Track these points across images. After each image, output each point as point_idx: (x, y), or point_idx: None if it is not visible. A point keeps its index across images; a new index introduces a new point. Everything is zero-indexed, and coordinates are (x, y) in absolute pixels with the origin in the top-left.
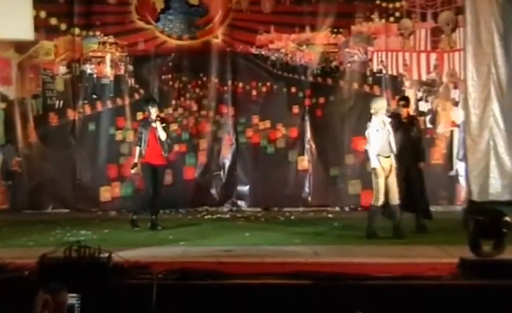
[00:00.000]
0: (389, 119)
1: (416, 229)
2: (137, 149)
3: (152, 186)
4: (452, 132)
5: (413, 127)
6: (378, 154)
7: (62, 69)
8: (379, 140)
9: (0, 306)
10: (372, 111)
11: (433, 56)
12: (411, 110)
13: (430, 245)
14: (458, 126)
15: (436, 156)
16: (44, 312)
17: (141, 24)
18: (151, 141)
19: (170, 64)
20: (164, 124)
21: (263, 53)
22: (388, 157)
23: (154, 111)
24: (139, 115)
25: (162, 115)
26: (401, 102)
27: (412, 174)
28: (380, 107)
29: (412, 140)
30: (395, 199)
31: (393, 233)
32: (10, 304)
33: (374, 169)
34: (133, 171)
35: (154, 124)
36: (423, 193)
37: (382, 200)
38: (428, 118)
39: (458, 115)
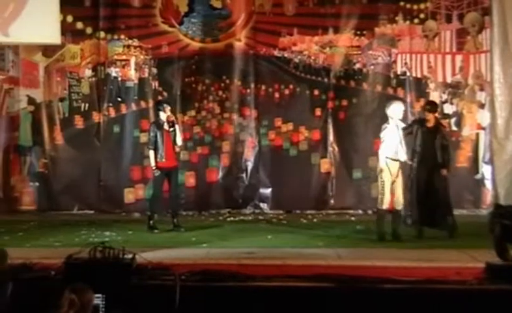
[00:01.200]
0: (403, 125)
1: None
2: (151, 152)
3: (169, 189)
4: (478, 134)
5: (437, 134)
6: (387, 157)
7: (88, 72)
8: (391, 143)
9: (27, 305)
10: (389, 113)
11: (458, 58)
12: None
13: (455, 249)
14: (484, 128)
15: (462, 159)
16: (69, 312)
17: (164, 27)
18: (166, 143)
19: (194, 66)
20: (174, 131)
21: (286, 55)
22: (397, 161)
23: (168, 110)
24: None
25: (172, 117)
26: (427, 107)
27: (435, 184)
28: (397, 112)
29: (436, 148)
30: (399, 204)
31: (392, 237)
32: (37, 303)
33: (381, 170)
34: (157, 174)
35: (166, 127)
36: (447, 205)
37: (388, 203)
38: (453, 120)
39: (484, 117)
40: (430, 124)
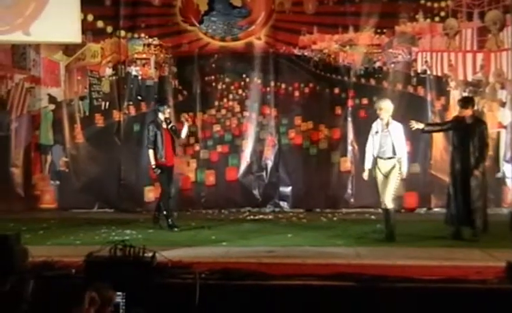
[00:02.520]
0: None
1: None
2: (151, 151)
3: (170, 188)
4: (499, 133)
5: (473, 132)
6: (377, 156)
7: (108, 71)
8: (377, 142)
9: (49, 302)
10: (380, 111)
11: (479, 56)
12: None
13: (475, 248)
14: (505, 127)
15: None
16: (90, 309)
17: (184, 26)
18: (166, 142)
19: (214, 65)
20: (174, 126)
21: (306, 54)
22: (390, 159)
23: (167, 112)
24: (183, 116)
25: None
26: (459, 103)
27: (470, 183)
28: (388, 110)
29: (474, 145)
30: (389, 202)
31: (385, 237)
32: (58, 301)
33: (369, 170)
34: (158, 172)
35: (164, 126)
36: (478, 205)
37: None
38: None
39: (505, 115)
40: (467, 121)
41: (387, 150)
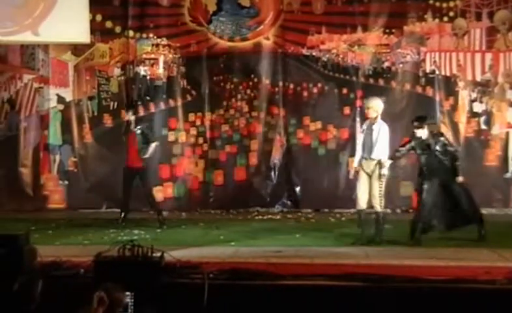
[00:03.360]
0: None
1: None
2: None
3: (128, 189)
4: (507, 133)
5: (435, 146)
6: (362, 156)
7: (117, 71)
8: (362, 141)
9: (57, 302)
10: (368, 110)
11: (488, 56)
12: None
13: (484, 248)
14: None
15: (491, 157)
16: (99, 309)
17: (193, 26)
18: (130, 145)
19: (222, 65)
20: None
21: (314, 54)
22: (372, 159)
23: (131, 115)
24: (191, 116)
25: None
26: (414, 124)
27: (453, 192)
28: (377, 109)
29: (439, 160)
30: (376, 205)
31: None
32: (67, 300)
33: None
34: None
35: (132, 128)
36: (473, 208)
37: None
38: (482, 119)
39: None
40: (427, 140)
41: (367, 150)
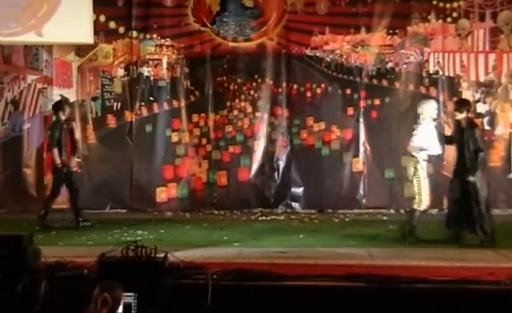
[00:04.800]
0: (434, 123)
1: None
2: (55, 150)
3: (68, 189)
4: (511, 133)
5: (468, 136)
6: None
7: (120, 71)
8: (423, 142)
9: (61, 303)
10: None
11: (492, 57)
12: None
13: (488, 249)
14: None
15: (495, 158)
16: (103, 310)
17: (196, 26)
18: (67, 143)
19: (226, 66)
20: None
21: (318, 54)
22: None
23: (66, 116)
24: (195, 117)
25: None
26: (455, 106)
27: (467, 188)
28: (422, 111)
29: (469, 150)
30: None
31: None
32: (70, 301)
33: (416, 170)
34: (64, 171)
35: (65, 126)
36: (480, 209)
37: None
38: (486, 120)
39: None
40: (462, 124)
41: (428, 150)
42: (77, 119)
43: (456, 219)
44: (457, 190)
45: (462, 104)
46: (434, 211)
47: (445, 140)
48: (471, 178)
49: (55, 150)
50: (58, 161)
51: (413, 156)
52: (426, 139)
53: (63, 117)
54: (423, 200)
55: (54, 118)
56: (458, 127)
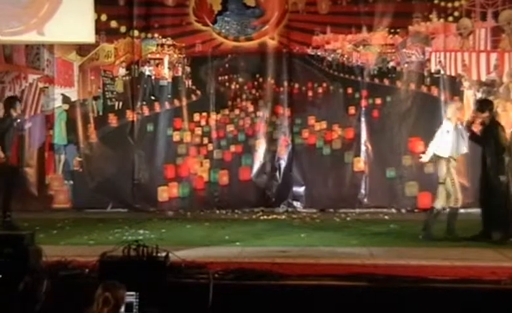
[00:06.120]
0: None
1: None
2: None
3: (7, 187)
4: None
5: (491, 133)
6: (450, 156)
7: (122, 71)
8: (448, 143)
9: (63, 302)
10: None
11: (493, 56)
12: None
13: (489, 248)
14: None
15: None
16: (105, 309)
17: (198, 26)
18: (14, 141)
19: (227, 65)
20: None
21: (319, 53)
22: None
23: (18, 113)
24: (196, 116)
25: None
26: (475, 106)
27: (493, 188)
28: (448, 114)
29: (491, 149)
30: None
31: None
32: (72, 300)
33: (448, 169)
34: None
35: (15, 125)
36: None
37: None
38: None
39: None
40: (484, 124)
41: (455, 150)
42: (78, 118)
43: (489, 218)
44: (485, 189)
45: (485, 104)
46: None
47: (473, 140)
48: (502, 178)
49: None
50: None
51: (443, 157)
52: (453, 139)
53: (14, 114)
54: (458, 198)
55: (3, 114)
56: (482, 126)
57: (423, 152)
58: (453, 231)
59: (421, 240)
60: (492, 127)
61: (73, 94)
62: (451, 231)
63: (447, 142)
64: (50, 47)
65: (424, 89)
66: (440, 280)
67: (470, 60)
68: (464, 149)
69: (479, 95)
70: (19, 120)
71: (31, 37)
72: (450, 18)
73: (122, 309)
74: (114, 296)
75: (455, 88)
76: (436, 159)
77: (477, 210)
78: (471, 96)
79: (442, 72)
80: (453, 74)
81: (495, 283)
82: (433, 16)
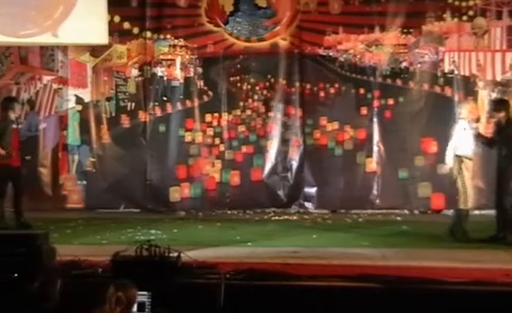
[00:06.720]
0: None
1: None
2: None
3: (13, 188)
4: None
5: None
6: (463, 156)
7: (134, 72)
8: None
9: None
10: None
11: (509, 55)
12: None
13: (502, 250)
14: None
15: None
16: (117, 309)
17: (210, 27)
18: (14, 142)
19: (239, 66)
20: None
21: (331, 54)
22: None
23: (17, 114)
24: (208, 117)
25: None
26: (492, 107)
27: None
28: (461, 112)
29: (509, 148)
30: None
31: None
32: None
33: (460, 169)
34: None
35: (14, 126)
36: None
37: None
38: None
39: None
40: (500, 124)
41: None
42: (91, 119)
43: (503, 220)
44: (500, 191)
45: (501, 104)
46: (450, 212)
47: (486, 143)
48: None
49: None
50: (1, 152)
51: (457, 155)
52: (469, 138)
53: (13, 116)
54: (468, 199)
55: (2, 115)
56: (497, 127)
57: (436, 153)
58: (457, 232)
59: (434, 242)
60: (508, 127)
61: (86, 95)
62: (453, 232)
63: (464, 140)
64: (64, 48)
65: (437, 89)
66: (453, 282)
67: (485, 60)
68: (473, 150)
69: (494, 95)
70: (19, 125)
71: (46, 39)
72: (464, 17)
73: (135, 308)
74: (127, 296)
75: (469, 88)
76: (453, 157)
77: (491, 212)
78: (485, 96)
79: (456, 72)
80: (467, 74)
81: (508, 286)
82: (447, 15)
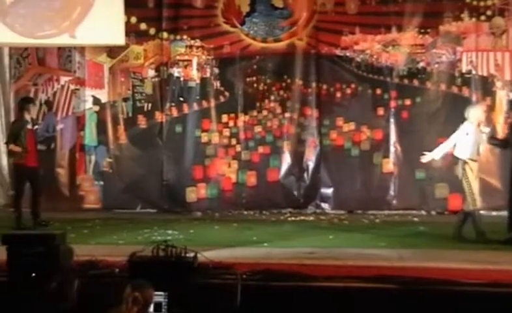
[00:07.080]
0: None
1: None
2: (11, 146)
3: (31, 189)
4: None
5: None
6: (468, 158)
7: (151, 72)
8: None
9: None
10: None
11: None
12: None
13: None
14: None
15: None
16: (134, 309)
17: (226, 27)
18: (29, 142)
19: (255, 66)
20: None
21: (348, 54)
22: (475, 161)
23: (31, 115)
24: (224, 118)
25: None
26: (508, 106)
27: None
28: (468, 117)
29: None
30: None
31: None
32: (102, 299)
33: (464, 171)
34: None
35: (30, 126)
36: None
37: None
38: None
39: None
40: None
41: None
42: (108, 120)
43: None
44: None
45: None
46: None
47: (500, 145)
48: None
49: (12, 147)
50: (17, 149)
51: (460, 158)
52: (473, 142)
53: (28, 117)
54: (475, 200)
55: (18, 116)
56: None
57: (453, 154)
58: (461, 235)
59: (451, 243)
60: None
61: (103, 96)
62: (457, 234)
63: (466, 144)
64: (81, 49)
65: (455, 89)
66: (470, 283)
67: (503, 60)
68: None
69: None
70: (36, 126)
71: (63, 40)
72: (482, 17)
73: (151, 309)
74: (144, 296)
75: (486, 88)
76: (455, 160)
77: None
78: (504, 96)
79: (474, 72)
80: (484, 74)
81: None
82: (464, 15)
